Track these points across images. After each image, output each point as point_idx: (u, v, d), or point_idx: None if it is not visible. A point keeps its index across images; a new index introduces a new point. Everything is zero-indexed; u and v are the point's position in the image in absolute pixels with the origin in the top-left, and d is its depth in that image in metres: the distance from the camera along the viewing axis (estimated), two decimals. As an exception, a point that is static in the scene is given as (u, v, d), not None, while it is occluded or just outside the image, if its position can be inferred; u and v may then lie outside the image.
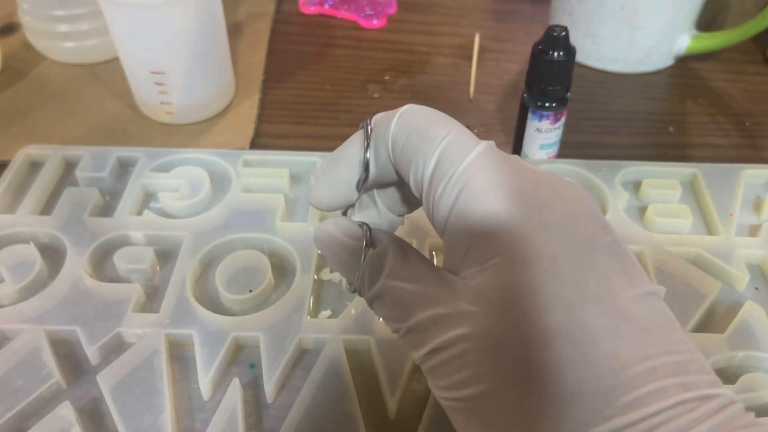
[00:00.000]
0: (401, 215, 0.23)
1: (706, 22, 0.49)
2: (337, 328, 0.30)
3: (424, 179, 0.19)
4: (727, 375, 0.30)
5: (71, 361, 0.30)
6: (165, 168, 0.38)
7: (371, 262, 0.21)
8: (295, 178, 0.38)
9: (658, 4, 0.45)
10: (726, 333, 0.30)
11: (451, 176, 0.19)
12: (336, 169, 0.22)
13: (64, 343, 0.31)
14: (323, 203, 0.22)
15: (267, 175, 0.38)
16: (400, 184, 0.22)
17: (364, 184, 0.21)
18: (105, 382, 0.28)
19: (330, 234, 0.22)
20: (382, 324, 0.31)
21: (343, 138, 0.43)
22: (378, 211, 0.23)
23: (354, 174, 0.21)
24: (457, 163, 0.19)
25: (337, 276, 0.33)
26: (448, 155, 0.19)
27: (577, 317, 0.17)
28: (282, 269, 0.34)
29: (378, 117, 0.21)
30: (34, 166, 0.39)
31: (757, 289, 0.33)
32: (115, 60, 0.45)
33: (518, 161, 0.20)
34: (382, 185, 0.22)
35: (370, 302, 0.21)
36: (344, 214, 0.23)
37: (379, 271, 0.20)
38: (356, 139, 0.21)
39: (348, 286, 0.22)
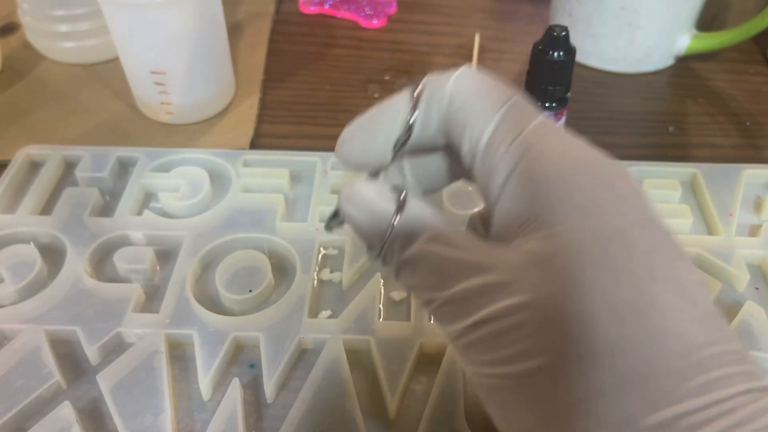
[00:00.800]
0: (429, 191, 0.22)
1: (706, 22, 0.49)
2: (337, 328, 0.30)
3: (481, 139, 0.18)
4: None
5: (71, 361, 0.30)
6: (165, 168, 0.38)
7: (406, 226, 0.19)
8: (295, 178, 0.38)
9: (658, 4, 0.45)
10: (726, 333, 0.30)
11: (516, 137, 0.18)
12: (374, 125, 0.20)
13: (64, 343, 0.31)
14: (353, 159, 0.21)
15: (267, 175, 0.38)
16: (439, 153, 0.21)
17: (403, 146, 0.20)
18: (105, 382, 0.28)
19: (359, 192, 0.20)
20: (382, 324, 0.31)
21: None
22: (405, 185, 0.22)
23: (393, 132, 0.20)
24: (523, 125, 0.18)
25: (337, 276, 0.33)
26: (513, 116, 0.18)
27: (647, 294, 0.16)
28: (282, 269, 0.34)
29: (430, 76, 0.20)
30: (34, 166, 0.39)
31: (757, 289, 0.33)
32: (115, 60, 0.45)
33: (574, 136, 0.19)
34: (418, 151, 0.21)
35: (398, 269, 0.20)
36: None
37: (415, 235, 0.19)
38: (401, 97, 0.20)
39: (370, 251, 0.20)
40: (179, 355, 0.30)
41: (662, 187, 0.37)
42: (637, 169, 0.38)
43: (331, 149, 0.40)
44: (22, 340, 0.30)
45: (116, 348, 0.30)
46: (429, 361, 0.30)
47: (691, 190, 0.39)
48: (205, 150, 0.39)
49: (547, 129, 0.18)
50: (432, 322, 0.20)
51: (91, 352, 0.30)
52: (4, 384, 0.28)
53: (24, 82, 0.46)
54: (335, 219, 0.22)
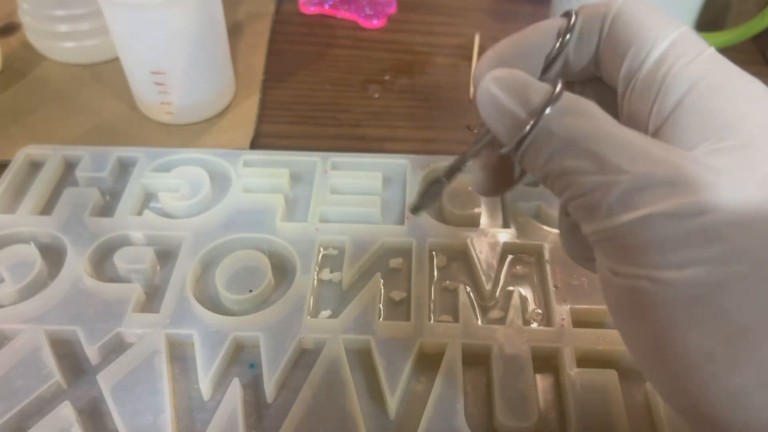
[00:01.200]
0: None
1: (706, 22, 0.49)
2: (337, 328, 0.30)
3: (651, 55, 0.18)
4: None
5: (71, 361, 0.30)
6: (165, 168, 0.38)
7: (571, 100, 0.17)
8: (295, 178, 0.38)
9: (658, 4, 0.45)
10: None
11: (698, 56, 0.18)
12: (529, 37, 0.20)
13: (64, 343, 0.31)
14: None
15: (267, 175, 0.38)
16: (581, 88, 0.21)
17: (553, 64, 0.20)
18: (105, 382, 0.28)
19: (511, 73, 0.19)
20: (382, 324, 0.31)
21: (344, 138, 0.43)
22: None
23: (547, 46, 0.20)
24: (701, 48, 0.18)
25: (337, 276, 0.33)
26: (688, 39, 0.18)
27: None
28: (282, 269, 0.34)
29: (586, 3, 0.20)
30: (34, 166, 0.39)
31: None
32: (115, 60, 0.45)
33: None
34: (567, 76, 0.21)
35: (557, 151, 0.17)
36: None
37: (583, 111, 0.17)
38: (558, 18, 0.20)
39: (514, 135, 0.18)
40: (179, 355, 0.30)
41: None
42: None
43: (331, 149, 0.40)
44: (22, 340, 0.30)
45: (116, 348, 0.31)
46: (429, 361, 0.30)
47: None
48: (205, 150, 0.39)
49: (723, 58, 0.18)
50: (575, 216, 0.18)
51: (92, 352, 0.30)
52: (4, 384, 0.28)
53: (24, 82, 0.46)
54: (428, 194, 0.22)
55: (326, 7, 0.54)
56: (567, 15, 0.20)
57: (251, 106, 0.44)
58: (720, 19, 0.51)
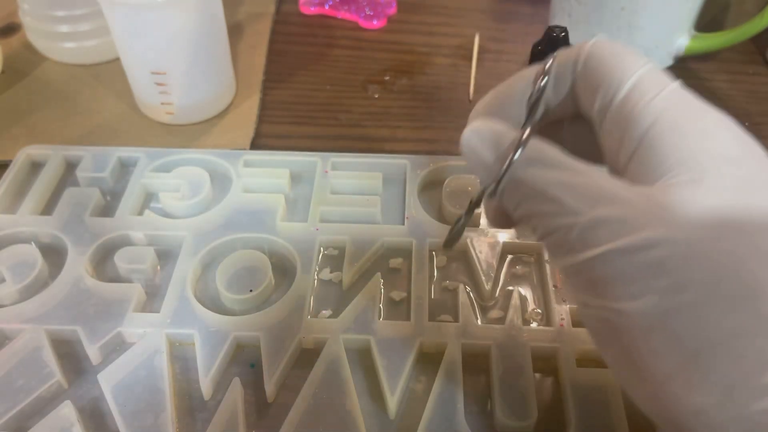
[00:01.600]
0: None
1: (705, 22, 0.50)
2: (337, 328, 0.31)
3: (618, 94, 0.19)
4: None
5: (72, 360, 0.30)
6: (165, 168, 0.38)
7: (535, 150, 0.19)
8: (295, 178, 0.39)
9: (658, 4, 0.45)
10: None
11: (658, 94, 0.19)
12: (511, 86, 0.22)
13: (65, 343, 0.31)
14: (489, 116, 0.22)
15: (267, 176, 0.38)
16: (563, 128, 0.22)
17: (535, 107, 0.21)
18: (106, 381, 0.29)
19: (486, 125, 0.20)
20: (382, 324, 0.31)
21: (344, 138, 0.43)
22: None
23: (527, 90, 0.21)
24: (663, 85, 0.19)
25: (337, 276, 0.33)
26: (651, 77, 0.19)
27: None
28: (282, 269, 0.34)
29: (561, 49, 0.22)
30: (35, 167, 0.39)
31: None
32: (116, 60, 0.45)
33: None
34: (545, 123, 0.22)
35: (524, 196, 0.19)
36: None
37: (547, 160, 0.19)
38: (536, 65, 0.21)
39: (489, 183, 0.20)
40: (180, 355, 0.30)
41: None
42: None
43: (331, 149, 0.40)
44: (22, 340, 0.30)
45: (117, 347, 0.31)
46: (429, 361, 0.30)
47: (691, 190, 0.39)
48: (205, 150, 0.39)
49: (685, 92, 0.20)
50: (547, 254, 0.20)
51: (92, 352, 0.30)
52: (5, 384, 0.29)
53: (25, 82, 0.46)
54: (456, 227, 0.24)
55: (326, 7, 0.54)
56: (544, 61, 0.22)
57: (251, 106, 0.44)
58: (720, 19, 0.51)
